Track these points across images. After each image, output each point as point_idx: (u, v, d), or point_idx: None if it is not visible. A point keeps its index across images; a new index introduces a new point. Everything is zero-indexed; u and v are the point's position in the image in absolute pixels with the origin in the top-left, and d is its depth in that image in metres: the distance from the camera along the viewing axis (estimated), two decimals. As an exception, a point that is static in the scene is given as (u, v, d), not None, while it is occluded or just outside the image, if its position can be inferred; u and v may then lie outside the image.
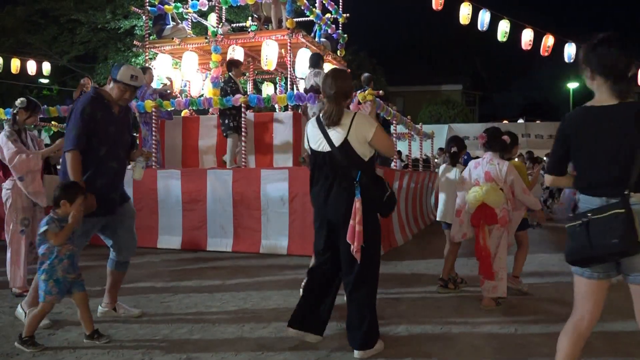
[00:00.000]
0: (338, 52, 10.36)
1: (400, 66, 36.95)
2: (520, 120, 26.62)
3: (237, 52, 8.63)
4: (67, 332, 3.60)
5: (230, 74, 7.86)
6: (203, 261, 6.36)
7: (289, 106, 8.11)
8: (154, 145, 7.74)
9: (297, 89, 9.46)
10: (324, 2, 9.96)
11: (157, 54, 9.62)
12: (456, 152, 4.95)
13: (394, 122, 8.27)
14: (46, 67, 15.03)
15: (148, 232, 7.27)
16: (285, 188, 6.67)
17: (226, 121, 7.70)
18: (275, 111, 7.99)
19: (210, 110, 9.02)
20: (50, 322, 3.68)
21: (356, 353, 3.11)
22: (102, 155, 3.58)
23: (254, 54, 9.46)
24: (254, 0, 8.86)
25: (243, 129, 7.42)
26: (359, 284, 3.13)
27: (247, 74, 11.03)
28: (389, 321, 3.81)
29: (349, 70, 10.61)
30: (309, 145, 3.24)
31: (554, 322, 3.69)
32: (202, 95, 9.59)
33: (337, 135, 3.06)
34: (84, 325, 3.42)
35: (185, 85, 10.02)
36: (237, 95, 7.38)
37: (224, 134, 7.81)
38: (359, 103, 7.04)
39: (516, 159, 5.17)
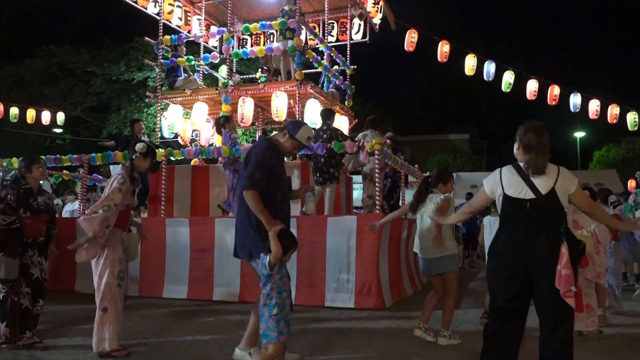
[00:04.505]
0: (346, 103, 10.53)
1: (407, 115, 37.48)
2: (529, 169, 26.59)
3: (247, 103, 8.79)
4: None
5: (327, 122, 7.85)
6: (210, 313, 6.27)
7: (298, 155, 8.18)
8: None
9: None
10: (331, 54, 10.22)
11: (169, 104, 9.83)
12: None
13: (402, 170, 8.32)
14: (60, 117, 15.40)
15: (154, 281, 7.22)
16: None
17: (330, 170, 7.53)
18: (284, 160, 8.08)
19: (220, 159, 9.12)
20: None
21: None
22: (278, 199, 3.75)
23: (263, 104, 9.64)
24: (263, 53, 9.11)
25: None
26: (569, 335, 3.12)
27: (257, 124, 11.21)
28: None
29: (356, 120, 10.80)
30: (502, 191, 3.25)
31: None
32: (212, 144, 9.72)
33: (543, 184, 3.16)
34: None
35: (195, 135, 10.19)
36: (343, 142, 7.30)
37: (323, 182, 7.57)
38: (369, 153, 7.13)
39: None
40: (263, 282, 3.40)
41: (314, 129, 8.25)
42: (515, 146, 3.27)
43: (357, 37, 10.95)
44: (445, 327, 4.65)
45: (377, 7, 10.39)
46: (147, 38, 9.99)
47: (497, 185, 3.29)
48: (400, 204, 8.66)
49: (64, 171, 11.23)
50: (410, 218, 9.44)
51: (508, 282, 3.22)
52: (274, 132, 11.90)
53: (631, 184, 16.71)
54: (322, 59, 9.95)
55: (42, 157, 8.29)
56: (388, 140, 7.84)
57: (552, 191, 3.14)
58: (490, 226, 5.40)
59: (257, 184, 3.58)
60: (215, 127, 8.43)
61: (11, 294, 4.41)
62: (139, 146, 4.40)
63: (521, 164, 3.24)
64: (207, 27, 10.80)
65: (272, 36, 10.98)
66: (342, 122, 9.82)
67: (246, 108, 8.78)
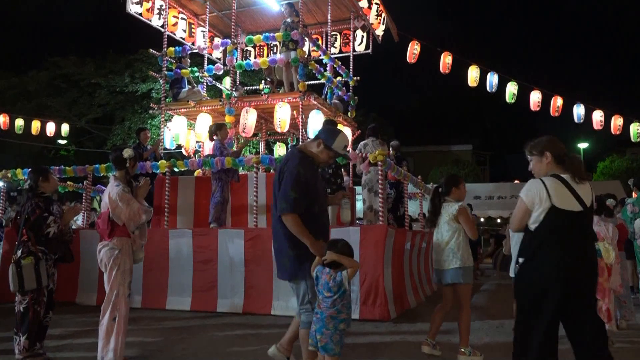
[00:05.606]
0: (349, 114, 10.56)
1: (411, 126, 37.56)
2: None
3: (250, 114, 8.82)
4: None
5: None
6: (214, 325, 6.24)
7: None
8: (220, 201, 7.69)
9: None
10: (335, 65, 10.26)
11: (173, 115, 9.86)
12: None
13: (405, 181, 8.30)
14: (65, 128, 15.46)
15: (157, 293, 7.20)
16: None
17: (338, 180, 7.66)
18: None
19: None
20: None
21: None
22: (316, 212, 3.56)
23: (266, 115, 9.67)
24: (267, 64, 9.15)
25: (254, 187, 7.46)
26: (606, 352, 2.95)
27: (260, 135, 11.23)
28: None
29: (359, 131, 10.81)
30: (550, 204, 2.97)
31: None
32: (215, 155, 9.73)
33: (586, 195, 3.02)
34: None
35: (199, 146, 10.21)
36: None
37: (330, 193, 7.46)
38: (370, 164, 7.13)
39: None
40: (332, 300, 3.19)
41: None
42: (545, 160, 3.11)
43: (360, 49, 11.01)
44: (464, 344, 4.48)
45: (380, 19, 10.45)
46: (151, 50, 10.05)
47: (543, 197, 2.98)
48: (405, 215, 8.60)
49: (68, 182, 11.25)
50: (414, 230, 9.42)
51: (549, 300, 2.94)
52: (277, 144, 11.99)
53: (635, 195, 16.64)
54: (325, 70, 9.99)
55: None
56: (392, 151, 7.83)
57: (592, 203, 3.02)
58: (517, 236, 5.35)
59: (295, 205, 3.39)
60: (208, 135, 8.44)
61: (34, 304, 4.38)
62: (127, 153, 4.47)
63: (562, 175, 3.05)
64: (211, 39, 10.88)
65: (275, 48, 11.05)
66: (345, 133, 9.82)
67: (249, 118, 8.80)
